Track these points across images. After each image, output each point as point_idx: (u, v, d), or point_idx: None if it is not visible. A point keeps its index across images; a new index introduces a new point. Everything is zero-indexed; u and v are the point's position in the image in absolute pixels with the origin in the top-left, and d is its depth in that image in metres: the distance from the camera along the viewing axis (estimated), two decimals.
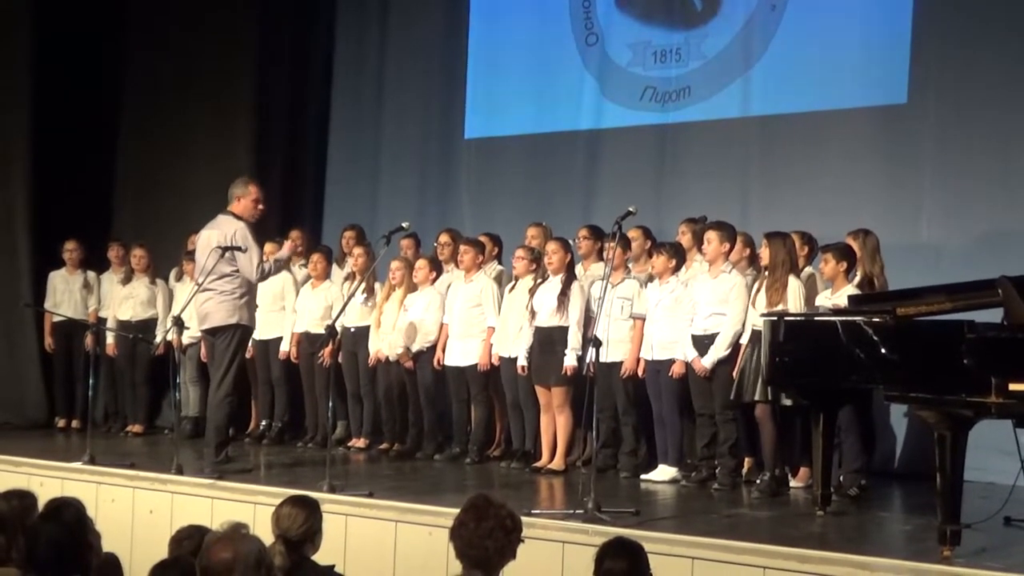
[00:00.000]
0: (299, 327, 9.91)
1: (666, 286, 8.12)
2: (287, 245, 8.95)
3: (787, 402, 7.30)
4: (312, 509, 4.72)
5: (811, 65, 9.54)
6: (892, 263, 7.75)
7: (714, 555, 5.64)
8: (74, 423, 10.91)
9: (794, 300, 7.42)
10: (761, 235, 8.16)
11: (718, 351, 7.72)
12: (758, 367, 7.26)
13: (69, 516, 4.15)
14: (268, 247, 9.14)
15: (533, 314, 8.46)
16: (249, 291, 8.17)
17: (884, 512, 7.23)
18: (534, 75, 10.95)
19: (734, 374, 7.63)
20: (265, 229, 8.99)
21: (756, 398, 7.44)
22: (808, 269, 8.02)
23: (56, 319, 10.98)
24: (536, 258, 8.65)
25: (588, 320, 8.18)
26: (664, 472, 8.06)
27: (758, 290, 7.64)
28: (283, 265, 8.73)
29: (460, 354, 8.96)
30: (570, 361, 8.24)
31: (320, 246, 10.30)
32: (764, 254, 7.65)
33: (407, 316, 9.18)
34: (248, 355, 9.15)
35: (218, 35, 11.76)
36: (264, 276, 8.34)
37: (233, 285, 8.02)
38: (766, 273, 7.63)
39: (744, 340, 7.62)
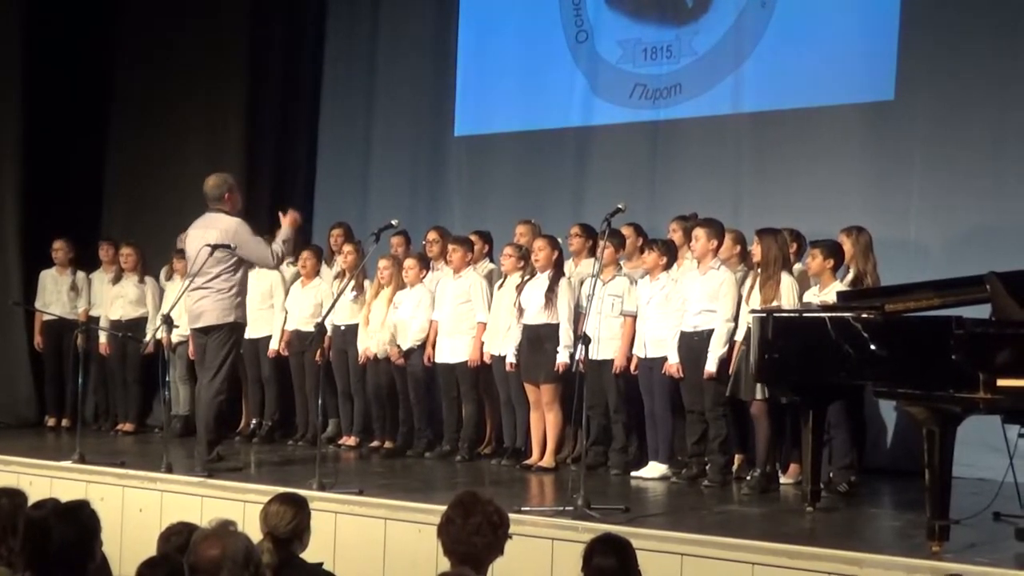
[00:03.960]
0: (289, 325, 9.91)
1: (656, 283, 8.12)
2: (286, 220, 8.33)
3: (784, 400, 7.27)
4: (300, 506, 4.71)
5: (801, 62, 9.56)
6: (881, 259, 7.73)
7: (703, 551, 5.64)
8: (64, 422, 10.91)
9: (788, 297, 7.41)
10: (752, 231, 8.18)
11: (717, 350, 7.71)
12: None
13: (86, 518, 4.10)
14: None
15: (521, 311, 8.46)
16: (243, 290, 8.17)
17: (873, 508, 7.25)
18: (524, 72, 10.96)
19: (730, 371, 7.63)
20: (255, 227, 8.97)
21: (756, 397, 7.43)
22: (798, 266, 8.02)
23: (46, 318, 10.97)
24: (523, 255, 8.65)
25: (578, 317, 8.19)
26: (654, 469, 8.06)
27: (752, 287, 7.65)
28: (290, 244, 8.63)
29: (450, 351, 8.95)
30: (563, 359, 8.23)
31: (310, 244, 10.30)
32: (756, 251, 7.64)
33: (396, 314, 9.18)
34: None
35: (208, 34, 11.76)
36: (281, 260, 8.41)
37: (230, 283, 8.01)
38: (759, 270, 7.63)
39: (739, 337, 7.60)
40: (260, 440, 9.97)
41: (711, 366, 7.71)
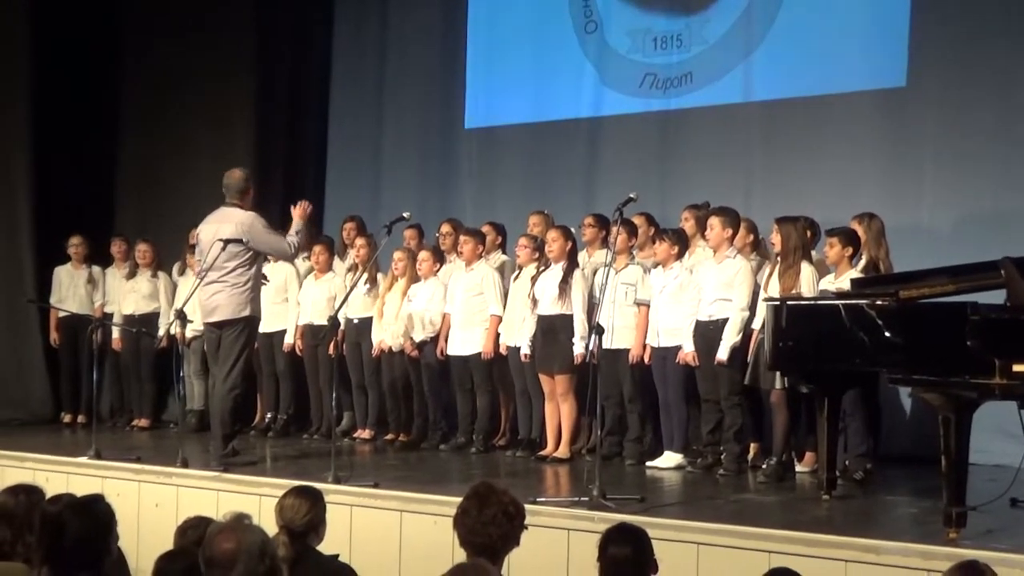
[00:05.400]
0: (303, 319, 9.91)
1: (670, 272, 8.11)
2: (297, 212, 8.45)
3: (804, 389, 7.24)
4: (315, 499, 4.71)
5: (811, 49, 9.53)
6: (894, 246, 7.72)
7: (720, 540, 5.64)
8: (80, 418, 10.94)
9: (808, 285, 7.39)
10: (764, 220, 8.18)
11: (731, 338, 7.70)
12: None
13: (101, 512, 4.11)
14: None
15: (535, 302, 8.46)
16: (258, 284, 8.19)
17: (890, 495, 7.21)
18: (533, 64, 10.94)
19: (748, 358, 7.60)
20: (268, 222, 8.99)
21: (776, 386, 7.41)
22: (813, 254, 7.99)
23: (61, 314, 11.00)
24: (539, 246, 8.65)
25: (592, 307, 8.18)
26: (669, 459, 8.05)
27: (770, 275, 7.62)
28: (304, 236, 8.64)
29: (462, 343, 8.95)
30: (578, 350, 8.22)
31: (322, 237, 10.30)
32: (776, 239, 7.62)
33: (410, 306, 9.18)
34: None
35: (217, 28, 11.77)
36: (297, 251, 8.48)
37: (246, 277, 8.03)
38: (778, 259, 7.60)
39: (756, 325, 7.58)
40: (275, 434, 9.99)
41: (722, 354, 7.70)
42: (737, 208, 8.23)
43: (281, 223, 10.31)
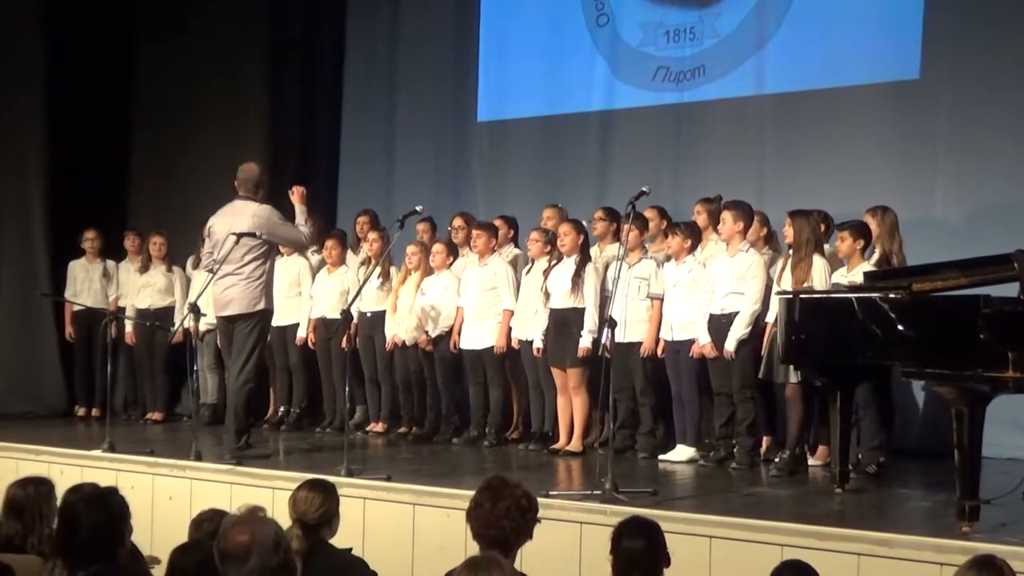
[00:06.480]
0: (315, 313, 9.93)
1: (683, 266, 8.11)
2: (295, 198, 8.46)
3: (818, 382, 7.22)
4: (329, 492, 4.73)
5: (824, 41, 9.50)
6: (906, 239, 7.70)
7: (732, 534, 5.63)
8: (94, 412, 10.99)
9: (820, 278, 7.38)
10: (776, 213, 8.17)
11: (738, 331, 7.71)
12: None
13: (114, 504, 4.12)
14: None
15: (547, 296, 8.46)
16: (271, 278, 8.21)
17: (903, 489, 7.21)
18: (545, 57, 10.94)
19: (763, 352, 7.60)
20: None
21: (791, 380, 7.40)
22: (826, 247, 7.98)
23: (76, 308, 11.03)
24: (551, 240, 8.64)
25: (604, 301, 8.18)
26: (682, 452, 8.05)
27: (782, 268, 7.62)
28: (312, 223, 8.62)
29: (475, 337, 8.96)
30: (585, 343, 8.23)
31: (335, 231, 10.31)
32: (788, 232, 7.62)
33: (424, 300, 9.19)
34: None
35: (230, 23, 11.79)
36: (311, 241, 8.59)
37: (261, 271, 8.07)
38: (790, 252, 7.59)
39: (770, 319, 7.57)
40: (288, 427, 10.02)
41: (729, 345, 7.71)
42: (749, 201, 8.22)
43: (293, 217, 10.35)
